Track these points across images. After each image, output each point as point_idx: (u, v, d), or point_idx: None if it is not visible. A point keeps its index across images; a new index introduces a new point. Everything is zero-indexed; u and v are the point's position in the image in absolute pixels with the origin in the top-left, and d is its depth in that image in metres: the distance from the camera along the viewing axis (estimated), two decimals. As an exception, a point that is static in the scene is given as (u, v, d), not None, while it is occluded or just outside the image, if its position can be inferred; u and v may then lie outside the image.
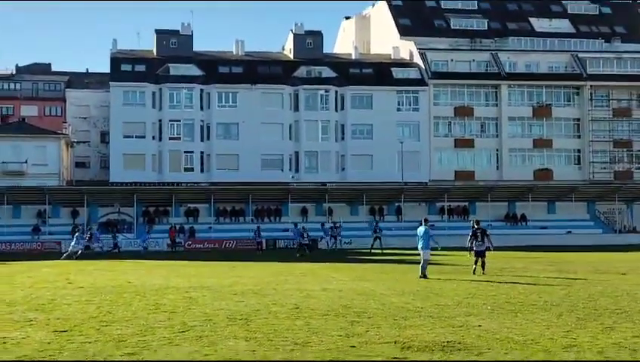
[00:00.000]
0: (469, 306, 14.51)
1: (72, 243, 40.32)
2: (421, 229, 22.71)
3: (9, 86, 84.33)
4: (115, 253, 44.97)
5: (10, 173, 64.47)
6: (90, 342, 10.18)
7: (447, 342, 10.17)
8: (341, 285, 19.73)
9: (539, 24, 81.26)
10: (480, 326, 11.73)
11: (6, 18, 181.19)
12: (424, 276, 21.58)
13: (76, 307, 14.65)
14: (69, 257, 38.19)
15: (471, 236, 24.03)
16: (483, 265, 23.36)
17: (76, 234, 42.56)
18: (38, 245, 54.22)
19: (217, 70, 71.74)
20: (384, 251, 42.83)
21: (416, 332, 11.06)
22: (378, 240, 44.71)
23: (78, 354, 9.33)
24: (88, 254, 41.66)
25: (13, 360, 8.98)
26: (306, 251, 41.27)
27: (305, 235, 43.37)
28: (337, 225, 52.71)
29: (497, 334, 10.90)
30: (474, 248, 23.88)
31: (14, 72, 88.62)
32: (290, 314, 13.32)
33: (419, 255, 22.73)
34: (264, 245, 50.74)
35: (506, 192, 64.85)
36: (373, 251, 43.36)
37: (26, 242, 54.53)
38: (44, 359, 9.07)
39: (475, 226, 24.45)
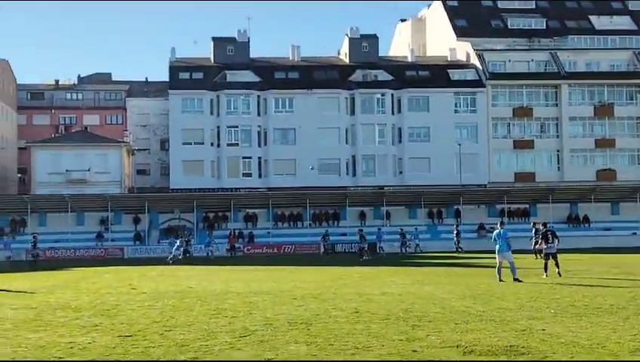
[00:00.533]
0: (532, 309, 14.26)
1: (174, 249, 43.04)
2: (497, 232, 22.18)
3: (72, 96, 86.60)
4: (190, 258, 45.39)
5: (74, 181, 66.01)
6: (153, 347, 10.33)
7: (511, 346, 10.01)
8: (401, 289, 19.61)
9: (599, 22, 79.49)
10: (544, 329, 11.52)
11: (67, 30, 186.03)
12: (517, 279, 21.08)
13: (140, 312, 14.90)
14: (174, 261, 40.43)
15: (539, 238, 23.77)
16: (558, 266, 22.97)
17: (178, 239, 44.95)
18: (102, 251, 55.32)
19: (274, 76, 72.23)
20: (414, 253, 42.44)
21: (479, 336, 10.91)
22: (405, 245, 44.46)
23: (143, 358, 9.49)
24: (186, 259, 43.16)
25: (80, 364, 9.17)
26: (367, 255, 41.26)
27: (363, 239, 43.59)
28: (403, 230, 52.00)
29: (562, 338, 10.67)
30: (544, 250, 23.54)
31: (76, 83, 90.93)
32: (350, 318, 13.30)
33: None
34: (328, 249, 51.90)
35: (568, 193, 63.55)
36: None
37: (89, 248, 55.62)
38: (110, 363, 9.24)
39: (543, 228, 24.11)
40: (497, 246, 21.99)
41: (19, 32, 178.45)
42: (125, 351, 10.06)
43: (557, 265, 23.11)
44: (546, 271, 22.94)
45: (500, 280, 21.03)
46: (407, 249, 50.22)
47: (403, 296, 17.58)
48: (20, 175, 79.49)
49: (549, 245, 23.48)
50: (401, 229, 52.09)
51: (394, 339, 10.69)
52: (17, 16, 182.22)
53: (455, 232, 50.81)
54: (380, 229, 52.83)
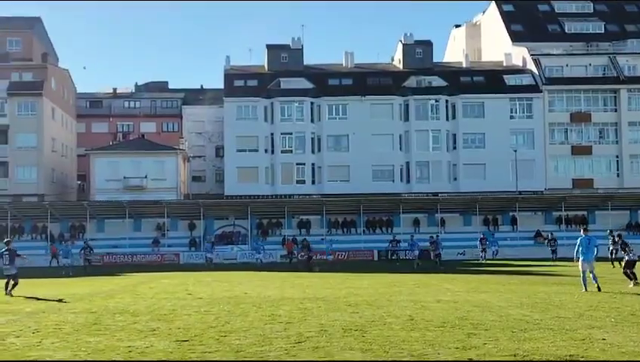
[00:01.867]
0: (592, 318, 13.96)
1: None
2: (582, 238, 21.18)
3: (129, 104, 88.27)
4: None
5: (132, 187, 67.16)
6: (210, 352, 10.43)
7: (570, 355, 9.82)
8: (456, 296, 19.42)
9: (659, 25, 77.68)
10: (604, 339, 11.26)
11: (125, 39, 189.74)
12: (598, 288, 20.38)
13: (196, 317, 15.06)
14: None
15: (618, 247, 23.38)
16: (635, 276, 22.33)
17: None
18: (158, 257, 56.12)
19: (327, 83, 72.42)
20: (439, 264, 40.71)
21: (537, 345, 10.73)
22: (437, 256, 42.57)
23: (199, 363, 9.59)
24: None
25: (138, 367, 9.31)
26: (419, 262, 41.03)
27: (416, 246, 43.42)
28: (484, 235, 50.91)
29: (623, 348, 10.43)
30: (627, 258, 22.93)
31: (134, 91, 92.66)
32: (405, 325, 13.21)
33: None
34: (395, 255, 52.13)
35: (627, 200, 62.12)
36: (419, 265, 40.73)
37: (146, 254, 56.46)
38: (168, 367, 9.36)
39: (619, 239, 23.85)
40: (582, 255, 20.86)
41: (78, 42, 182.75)
42: (182, 355, 10.18)
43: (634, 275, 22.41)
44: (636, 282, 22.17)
45: (585, 290, 20.31)
46: (486, 254, 48.28)
47: (458, 303, 17.40)
48: (79, 182, 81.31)
49: (632, 253, 22.91)
50: (482, 234, 51.37)
51: (450, 347, 10.59)
52: (76, 26, 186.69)
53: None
54: (438, 236, 51.76)
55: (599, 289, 20.25)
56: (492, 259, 46.99)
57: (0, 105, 69.51)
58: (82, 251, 45.14)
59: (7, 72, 72.84)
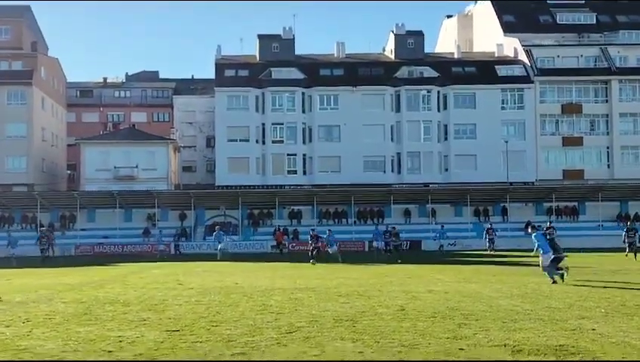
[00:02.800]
0: (582, 309, 14.00)
1: (218, 244, 43.17)
2: (536, 234, 21.35)
3: (120, 94, 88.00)
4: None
5: (122, 177, 67.02)
6: (201, 342, 10.41)
7: (560, 345, 9.83)
8: (447, 287, 19.45)
9: (651, 16, 77.83)
10: (594, 329, 11.30)
11: (115, 28, 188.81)
12: (558, 280, 20.28)
13: (186, 307, 15.03)
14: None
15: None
16: None
17: (214, 233, 45.03)
18: (149, 247, 55.94)
19: (319, 73, 72.33)
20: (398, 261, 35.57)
21: (527, 335, 10.75)
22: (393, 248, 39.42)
23: (190, 353, 9.56)
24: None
25: (129, 359, 9.27)
26: (391, 253, 39.27)
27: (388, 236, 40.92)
28: (491, 226, 49.99)
29: (613, 338, 10.46)
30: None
31: (124, 81, 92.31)
32: (396, 315, 13.22)
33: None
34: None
35: (617, 192, 62.41)
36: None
37: (137, 244, 56.31)
38: (158, 358, 9.32)
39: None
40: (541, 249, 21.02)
41: (68, 31, 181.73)
42: (173, 345, 10.15)
43: None
44: None
45: (554, 282, 20.27)
46: (493, 245, 46.89)
47: (449, 293, 17.43)
48: (69, 171, 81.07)
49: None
50: (490, 224, 51.18)
51: (441, 337, 10.60)
52: (66, 15, 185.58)
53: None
54: (442, 226, 51.66)
55: (555, 281, 20.22)
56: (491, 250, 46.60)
57: (-11, 95, 69.10)
58: (38, 241, 42.74)
59: (-3, 61, 72.42)
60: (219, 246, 42.87)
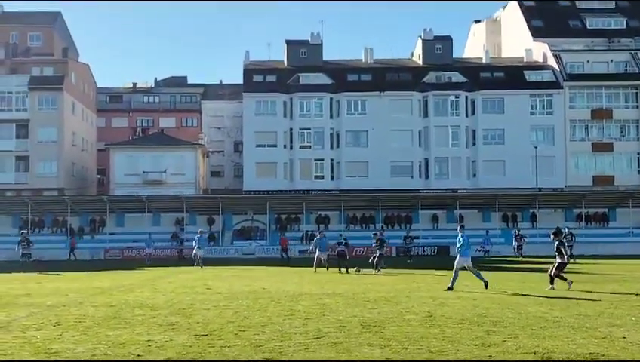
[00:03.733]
0: (612, 317, 13.85)
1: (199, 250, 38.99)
2: (462, 235, 20.82)
3: (149, 99, 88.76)
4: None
5: (151, 182, 67.57)
6: (229, 347, 10.45)
7: (590, 353, 9.73)
8: (475, 293, 19.32)
9: (682, 20, 76.89)
10: (625, 337, 11.16)
11: (145, 34, 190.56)
12: (486, 285, 20.16)
13: (215, 312, 15.10)
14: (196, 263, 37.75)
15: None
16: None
17: (197, 237, 40.45)
18: (177, 251, 56.25)
19: (346, 78, 72.37)
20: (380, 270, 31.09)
21: (556, 342, 10.65)
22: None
23: (219, 358, 9.61)
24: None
25: (158, 361, 9.34)
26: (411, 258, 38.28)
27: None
28: (519, 231, 49.40)
29: (645, 347, 10.33)
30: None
31: (153, 86, 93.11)
32: (423, 321, 13.17)
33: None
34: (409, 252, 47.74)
35: (648, 198, 61.58)
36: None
37: (165, 248, 56.62)
38: (187, 361, 9.38)
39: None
40: (459, 252, 20.77)
41: (98, 37, 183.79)
42: (201, 349, 10.21)
43: None
44: None
45: (450, 289, 20.05)
46: (522, 251, 46.27)
47: (478, 300, 17.32)
48: (99, 176, 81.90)
49: None
50: (518, 230, 50.84)
51: (469, 344, 10.54)
52: (97, 21, 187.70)
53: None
54: (487, 232, 51.10)
55: (486, 286, 20.07)
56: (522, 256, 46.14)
57: (21, 100, 70.12)
58: (19, 244, 40.68)
59: (28, 67, 73.59)
60: (199, 253, 38.52)
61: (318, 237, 34.35)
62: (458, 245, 20.83)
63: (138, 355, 9.83)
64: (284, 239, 48.85)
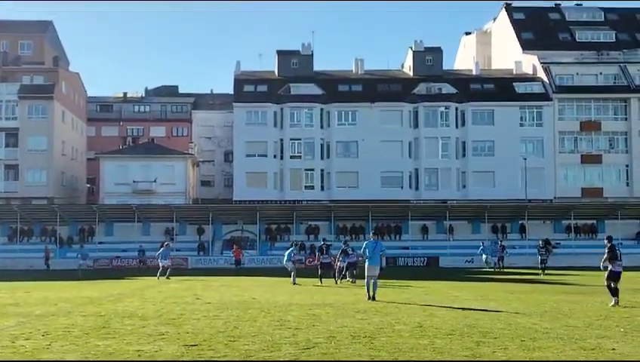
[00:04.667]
0: (601, 328, 13.91)
1: (160, 260, 38.50)
2: (368, 243, 20.90)
3: (139, 108, 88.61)
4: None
5: (141, 191, 67.38)
6: (219, 357, 10.44)
7: (580, 365, 9.79)
8: (464, 304, 19.37)
9: (671, 34, 77.46)
10: (614, 349, 11.22)
11: (135, 43, 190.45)
12: (373, 298, 20.15)
13: (205, 322, 15.08)
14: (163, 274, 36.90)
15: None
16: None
17: (161, 249, 40.07)
18: (171, 261, 55.92)
19: (337, 89, 72.49)
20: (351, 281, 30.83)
21: (546, 354, 10.70)
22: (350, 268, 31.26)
23: (209, 368, 9.59)
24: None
25: (148, 371, 9.33)
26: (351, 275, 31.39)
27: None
28: (502, 243, 49.26)
29: (633, 357, 10.39)
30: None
31: (144, 95, 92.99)
32: (413, 332, 13.19)
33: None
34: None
35: (637, 210, 61.92)
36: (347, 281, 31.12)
37: (154, 258, 56.18)
38: (177, 371, 9.38)
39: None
40: (368, 259, 20.72)
41: (89, 46, 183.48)
42: (192, 359, 10.19)
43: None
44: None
45: (368, 297, 20.23)
46: (503, 263, 46.05)
47: (467, 311, 17.36)
48: (88, 185, 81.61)
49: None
50: (500, 241, 50.92)
51: (459, 355, 10.56)
52: (88, 30, 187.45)
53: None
54: (499, 243, 50.31)
55: (373, 299, 20.11)
56: (494, 268, 46.33)
57: (11, 108, 69.89)
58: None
59: (19, 75, 73.37)
60: (163, 263, 37.96)
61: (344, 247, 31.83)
62: (366, 252, 20.76)
63: (128, 365, 9.81)
64: (237, 250, 46.23)
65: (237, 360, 10.19)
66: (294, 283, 29.82)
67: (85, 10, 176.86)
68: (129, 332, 13.24)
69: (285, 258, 32.76)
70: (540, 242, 41.08)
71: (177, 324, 14.61)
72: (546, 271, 38.67)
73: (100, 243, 59.54)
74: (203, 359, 10.26)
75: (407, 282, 31.48)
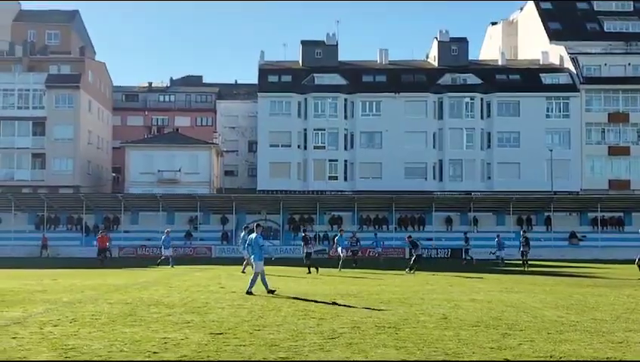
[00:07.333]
0: (629, 321, 13.76)
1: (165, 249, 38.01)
2: (251, 237, 19.78)
3: (164, 98, 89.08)
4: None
5: (165, 181, 67.76)
6: (244, 345, 10.47)
7: (607, 358, 9.69)
8: (490, 296, 19.26)
9: (701, 24, 76.28)
10: (642, 342, 11.10)
11: (161, 33, 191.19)
12: (250, 292, 19.02)
13: (229, 311, 15.13)
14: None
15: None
16: None
17: (163, 237, 38.56)
18: (191, 250, 56.52)
19: (361, 79, 72.29)
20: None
21: (573, 347, 10.60)
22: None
23: (235, 356, 9.63)
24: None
25: (174, 359, 9.38)
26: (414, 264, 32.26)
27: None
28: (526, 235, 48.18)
29: (662, 352, 10.25)
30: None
31: (169, 85, 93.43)
32: (438, 324, 13.14)
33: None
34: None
35: (665, 203, 61.17)
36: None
37: (179, 247, 56.67)
38: (203, 359, 9.41)
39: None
40: (250, 253, 20.00)
41: (115, 36, 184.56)
42: (217, 348, 10.23)
43: None
44: None
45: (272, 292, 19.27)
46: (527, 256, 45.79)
47: (492, 303, 17.26)
48: (114, 174, 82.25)
49: None
50: (524, 232, 49.84)
51: (484, 347, 10.50)
52: (113, 20, 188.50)
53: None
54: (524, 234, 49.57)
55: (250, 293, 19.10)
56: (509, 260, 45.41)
57: (38, 98, 70.49)
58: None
59: (46, 65, 73.99)
60: (165, 253, 37.83)
61: (339, 235, 35.06)
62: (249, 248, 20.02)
63: (154, 352, 9.86)
64: (103, 237, 41.91)
65: (262, 349, 10.21)
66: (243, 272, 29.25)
67: (111, 0, 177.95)
68: (155, 320, 13.33)
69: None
70: (522, 238, 38.85)
71: (202, 313, 14.68)
72: (528, 265, 36.88)
73: (126, 231, 60.00)
74: (228, 347, 10.30)
75: (431, 273, 31.38)
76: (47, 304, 16.47)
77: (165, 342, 10.68)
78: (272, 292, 19.17)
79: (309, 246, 32.31)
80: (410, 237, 35.00)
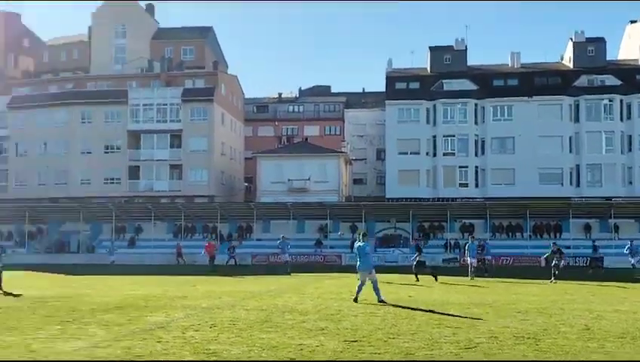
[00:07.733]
0: None
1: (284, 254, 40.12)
2: (360, 245, 19.27)
3: (293, 108, 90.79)
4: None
5: (295, 189, 68.86)
6: (379, 353, 10.40)
7: None
8: (635, 306, 18.28)
9: None
10: None
11: (290, 45, 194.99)
12: (382, 301, 18.72)
13: (362, 318, 15.10)
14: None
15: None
16: None
17: (279, 241, 41.36)
18: (321, 258, 57.04)
19: (492, 84, 70.85)
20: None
21: None
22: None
23: (370, 364, 9.57)
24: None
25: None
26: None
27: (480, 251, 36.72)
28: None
29: None
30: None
31: (298, 96, 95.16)
32: (581, 335, 12.58)
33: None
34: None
35: None
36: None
37: (309, 255, 57.45)
38: (339, 367, 9.43)
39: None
40: (358, 263, 19.36)
41: (246, 49, 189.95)
42: (353, 355, 10.22)
43: None
44: None
45: (355, 300, 18.74)
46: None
47: (638, 313, 16.37)
48: (246, 183, 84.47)
49: None
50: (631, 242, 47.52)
51: (633, 359, 9.94)
52: (244, 32, 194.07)
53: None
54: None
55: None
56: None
57: (175, 111, 73.44)
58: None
59: (182, 80, 77.10)
60: (285, 258, 40.08)
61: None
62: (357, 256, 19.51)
63: (291, 358, 9.97)
64: (210, 244, 47.06)
65: (397, 357, 10.10)
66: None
67: (243, 13, 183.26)
68: (290, 327, 13.49)
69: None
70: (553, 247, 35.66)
71: (336, 320, 14.73)
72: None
73: (258, 239, 61.35)
74: (364, 355, 10.26)
75: (570, 282, 30.20)
76: (188, 309, 17.05)
77: (301, 349, 10.78)
78: (355, 300, 18.99)
79: (421, 255, 32.37)
80: (555, 244, 34.35)
